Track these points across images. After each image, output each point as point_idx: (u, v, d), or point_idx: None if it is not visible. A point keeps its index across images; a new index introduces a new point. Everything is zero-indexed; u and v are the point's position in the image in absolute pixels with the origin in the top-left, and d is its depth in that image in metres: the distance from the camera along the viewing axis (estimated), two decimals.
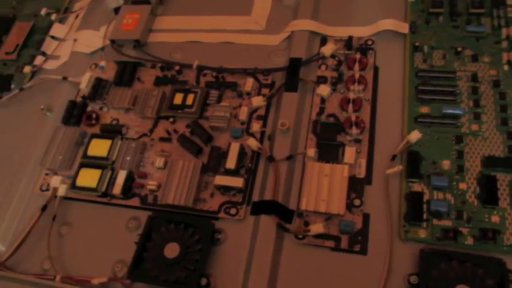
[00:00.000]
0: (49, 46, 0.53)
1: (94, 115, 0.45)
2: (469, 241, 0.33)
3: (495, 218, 0.34)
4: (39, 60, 0.52)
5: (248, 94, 0.43)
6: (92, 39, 0.52)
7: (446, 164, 0.37)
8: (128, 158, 0.41)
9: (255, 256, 0.35)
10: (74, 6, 0.56)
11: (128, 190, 0.40)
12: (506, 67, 0.40)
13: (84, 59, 0.51)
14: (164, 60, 0.48)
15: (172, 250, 0.36)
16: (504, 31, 0.42)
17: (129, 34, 0.50)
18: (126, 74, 0.47)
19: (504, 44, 0.41)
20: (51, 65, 0.51)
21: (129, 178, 0.40)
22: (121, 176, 0.40)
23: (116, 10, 0.54)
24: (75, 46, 0.52)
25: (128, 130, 0.44)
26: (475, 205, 0.35)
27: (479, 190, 0.35)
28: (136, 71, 0.48)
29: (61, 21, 0.55)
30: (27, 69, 0.51)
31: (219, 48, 0.48)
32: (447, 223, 0.34)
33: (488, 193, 0.35)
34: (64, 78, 0.48)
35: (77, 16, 0.55)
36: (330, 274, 0.35)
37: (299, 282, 0.35)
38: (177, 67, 0.46)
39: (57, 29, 0.54)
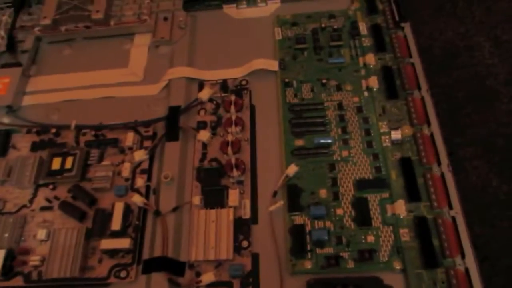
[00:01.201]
0: None
1: None
2: (350, 264, 0.35)
3: (370, 238, 0.36)
4: None
5: (130, 148, 0.43)
6: None
7: (323, 192, 0.39)
8: (6, 235, 0.39)
9: None
10: None
11: (9, 269, 0.38)
12: (366, 93, 0.44)
13: None
14: (40, 124, 0.46)
15: None
16: (361, 60, 0.46)
17: (1, 100, 0.47)
18: None
19: (362, 71, 0.45)
20: None
21: (9, 257, 0.38)
22: (0, 256, 0.38)
23: None
24: None
25: (6, 203, 0.41)
26: (352, 228, 0.37)
27: (354, 213, 0.38)
28: (10, 139, 0.45)
29: None
30: None
31: (98, 104, 0.48)
32: (329, 250, 0.36)
33: (362, 215, 0.37)
34: None
35: None
36: None
37: None
38: (53, 130, 0.45)
39: None
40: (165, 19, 0.52)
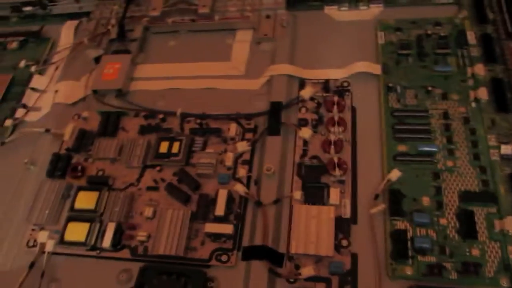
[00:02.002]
0: (29, 98, 0.53)
1: (79, 167, 0.45)
2: (453, 275, 0.35)
3: (475, 252, 0.36)
4: (20, 113, 0.52)
5: (233, 139, 0.45)
6: (73, 90, 0.52)
7: (426, 200, 0.38)
8: (117, 209, 0.41)
9: None
10: (53, 57, 0.57)
11: (117, 242, 0.40)
12: (473, 104, 0.43)
13: (66, 110, 0.51)
14: (148, 109, 0.49)
15: None
16: (469, 70, 0.45)
17: (111, 83, 0.51)
18: (110, 124, 0.48)
19: (470, 82, 0.44)
20: (32, 117, 0.52)
21: (118, 230, 0.41)
22: (110, 229, 0.40)
23: (97, 60, 0.55)
24: (56, 98, 0.52)
25: (115, 180, 0.44)
26: (456, 239, 0.36)
27: (458, 224, 0.37)
28: (119, 121, 0.48)
29: (41, 72, 0.55)
30: (8, 122, 0.51)
31: (201, 94, 0.50)
32: (431, 259, 0.36)
33: (467, 228, 0.36)
34: (47, 131, 0.49)
35: (57, 67, 0.55)
36: None
37: None
38: (161, 115, 0.47)
39: (37, 81, 0.54)
40: (268, 17, 0.53)
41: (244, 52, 0.52)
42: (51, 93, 0.53)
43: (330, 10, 0.54)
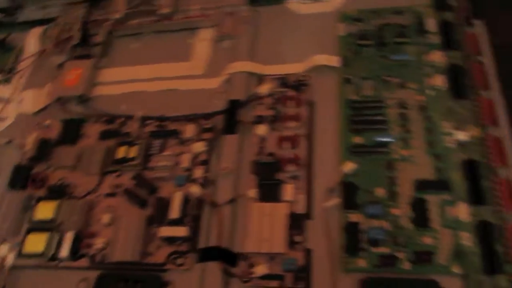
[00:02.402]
0: None
1: (39, 178, 0.45)
2: (406, 265, 0.34)
3: (428, 240, 0.35)
4: None
5: (190, 140, 0.44)
6: (37, 98, 0.52)
7: (380, 191, 0.38)
8: (75, 218, 0.41)
9: None
10: (19, 65, 0.57)
11: (76, 251, 0.40)
12: (430, 92, 0.42)
13: (30, 120, 0.51)
14: (108, 114, 0.49)
15: None
16: (426, 58, 0.44)
17: (73, 90, 0.51)
18: (71, 131, 0.48)
19: (428, 69, 0.43)
20: None
21: (77, 239, 0.41)
22: (69, 238, 0.40)
23: (61, 66, 0.55)
24: (20, 107, 0.53)
25: (75, 189, 0.44)
26: (410, 229, 0.36)
27: (412, 213, 0.36)
28: (81, 127, 0.48)
29: (6, 81, 0.56)
30: None
31: (162, 96, 0.49)
32: (384, 250, 0.35)
33: (420, 216, 0.36)
34: (9, 142, 0.49)
35: (21, 76, 0.55)
36: None
37: None
38: (120, 120, 0.47)
39: (1, 91, 0.54)
40: (229, 14, 0.53)
41: (205, 51, 0.52)
42: (15, 103, 0.53)
43: (293, 4, 0.53)
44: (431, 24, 0.46)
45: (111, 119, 0.48)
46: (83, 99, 0.51)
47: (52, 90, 0.52)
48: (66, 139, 0.48)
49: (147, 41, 0.55)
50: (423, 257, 0.34)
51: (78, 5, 0.59)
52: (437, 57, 0.43)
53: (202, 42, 0.52)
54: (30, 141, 0.48)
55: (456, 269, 0.34)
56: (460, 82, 0.42)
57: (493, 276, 0.33)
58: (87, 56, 0.54)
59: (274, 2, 0.53)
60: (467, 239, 0.34)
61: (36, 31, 0.59)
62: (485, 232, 0.34)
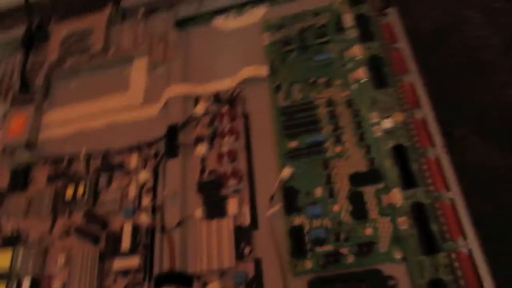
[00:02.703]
0: None
1: None
2: (350, 259, 0.36)
3: (368, 231, 0.36)
4: None
5: (135, 170, 0.45)
6: None
7: (318, 191, 0.39)
8: (31, 263, 0.42)
9: None
10: None
11: None
12: (355, 86, 0.44)
13: None
14: (54, 156, 0.49)
15: None
16: (347, 53, 0.46)
17: (18, 138, 0.51)
18: (19, 178, 0.48)
19: (350, 64, 0.45)
20: None
21: (34, 284, 0.41)
22: (26, 285, 0.41)
23: (5, 115, 0.55)
24: None
25: (29, 234, 0.45)
26: (350, 223, 0.37)
27: (351, 208, 0.38)
28: (29, 173, 0.49)
29: None
30: None
31: (105, 131, 0.50)
32: (328, 248, 0.36)
33: (358, 209, 0.37)
34: None
35: None
36: None
37: None
38: (66, 160, 0.48)
39: None
40: (159, 41, 0.54)
41: (141, 80, 0.53)
42: None
43: (219, 21, 0.54)
44: (348, 19, 0.48)
45: (57, 160, 0.49)
46: (29, 146, 0.51)
47: None
48: (15, 186, 0.48)
49: (85, 79, 0.56)
50: (365, 248, 0.35)
51: (15, 52, 0.60)
52: (357, 50, 0.45)
53: (137, 72, 0.53)
54: None
55: (397, 255, 0.35)
56: (380, 72, 0.43)
57: (431, 255, 0.34)
58: (29, 102, 0.54)
59: (201, 23, 0.55)
60: (404, 223, 0.36)
61: None
62: (419, 213, 0.36)
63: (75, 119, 0.52)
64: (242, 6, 0.54)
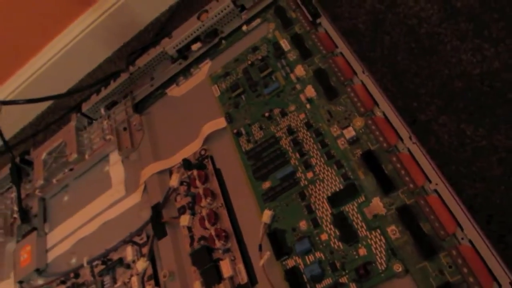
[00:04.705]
0: None
1: None
2: (352, 287, 0.33)
3: (362, 251, 0.34)
4: None
5: (134, 261, 0.45)
6: None
7: (303, 224, 0.37)
8: None
9: None
10: None
11: None
12: (308, 105, 0.42)
13: None
14: (62, 273, 0.50)
15: None
16: (292, 76, 0.45)
17: (28, 268, 0.53)
18: None
19: (298, 86, 0.44)
20: None
21: None
22: None
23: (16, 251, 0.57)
24: None
25: None
26: (342, 248, 0.35)
27: (338, 232, 0.35)
28: None
29: None
30: None
31: (101, 232, 0.51)
32: (327, 281, 0.34)
33: (346, 231, 0.35)
34: None
35: None
36: None
37: None
38: (72, 274, 0.49)
39: None
40: (124, 129, 0.55)
41: (120, 172, 0.54)
42: None
43: (172, 90, 0.55)
44: (285, 44, 0.47)
45: (67, 277, 0.50)
46: (38, 271, 0.52)
47: (14, 276, 0.54)
48: None
49: (73, 189, 0.57)
50: (362, 271, 0.33)
51: (11, 189, 0.63)
52: (300, 70, 0.44)
53: (114, 166, 0.54)
54: None
55: (397, 268, 0.32)
56: (328, 83, 0.42)
57: (432, 259, 0.31)
58: (32, 230, 0.56)
59: (156, 98, 0.56)
60: (394, 232, 0.33)
61: None
62: (406, 217, 0.33)
63: (73, 232, 0.54)
64: (187, 68, 0.55)
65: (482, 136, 0.35)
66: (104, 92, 0.58)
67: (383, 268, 0.32)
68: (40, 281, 0.52)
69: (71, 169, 0.57)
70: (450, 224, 0.31)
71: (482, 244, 0.30)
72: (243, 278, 0.38)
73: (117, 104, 0.58)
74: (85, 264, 0.48)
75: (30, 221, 0.58)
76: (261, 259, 0.37)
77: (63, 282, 0.50)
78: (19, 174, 0.62)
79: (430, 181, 0.33)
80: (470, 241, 0.31)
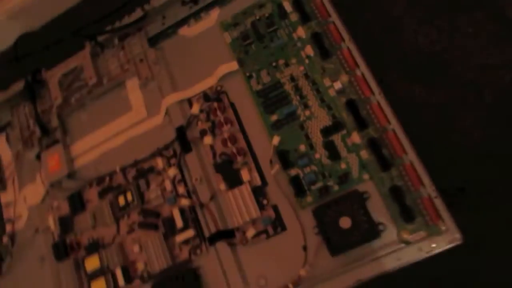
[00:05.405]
0: (8, 213, 0.66)
1: (75, 244, 0.60)
2: (336, 188, 0.52)
3: (343, 165, 0.52)
4: (9, 227, 0.65)
5: (164, 169, 0.59)
6: (36, 190, 0.65)
7: (302, 147, 0.54)
8: (115, 258, 0.57)
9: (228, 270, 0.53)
10: (6, 171, 0.69)
11: (129, 278, 0.56)
12: (307, 61, 0.57)
13: (40, 208, 0.64)
14: (96, 177, 0.62)
15: None
16: (294, 35, 0.59)
17: (60, 173, 0.64)
18: (76, 202, 0.62)
19: (299, 44, 0.58)
20: (19, 226, 0.65)
21: (125, 270, 0.56)
22: (118, 273, 0.56)
23: (38, 157, 0.67)
24: (27, 202, 0.66)
25: (104, 240, 0.59)
26: (329, 164, 0.53)
27: (327, 153, 0.53)
28: (82, 196, 0.62)
29: (3, 189, 0.68)
30: (4, 239, 0.64)
31: (126, 147, 0.63)
32: (319, 184, 0.52)
33: (332, 152, 0.53)
34: (36, 231, 0.63)
35: (13, 178, 0.68)
36: (278, 250, 0.52)
37: (263, 268, 0.53)
38: (107, 178, 0.61)
39: (5, 197, 0.67)
40: (141, 60, 0.65)
41: (139, 97, 0.65)
42: (21, 201, 0.66)
43: (183, 30, 0.66)
44: (287, 5, 0.60)
45: (99, 180, 0.62)
46: (71, 175, 0.64)
47: (43, 179, 0.65)
48: (76, 209, 0.62)
49: (92, 110, 0.67)
50: (343, 178, 0.51)
51: (22, 104, 0.70)
52: (301, 32, 0.58)
53: (133, 92, 0.65)
54: (51, 223, 0.62)
55: (365, 177, 0.51)
56: (323, 45, 0.57)
57: (388, 171, 0.50)
58: (54, 142, 0.66)
59: (168, 36, 0.66)
60: (364, 154, 0.52)
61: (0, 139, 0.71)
62: (373, 145, 0.51)
63: (97, 145, 0.65)
64: (198, 12, 0.65)
65: (429, 99, 0.55)
66: (118, 24, 0.66)
67: (356, 177, 0.51)
68: (71, 184, 0.64)
69: (89, 91, 0.67)
70: (400, 150, 0.50)
71: (418, 165, 0.50)
72: (258, 181, 0.54)
73: (129, 36, 0.67)
74: (117, 170, 0.61)
75: (49, 135, 0.67)
76: (273, 169, 0.54)
77: (97, 184, 0.62)
78: (33, 90, 0.69)
79: (390, 123, 0.52)
80: (411, 162, 0.50)
